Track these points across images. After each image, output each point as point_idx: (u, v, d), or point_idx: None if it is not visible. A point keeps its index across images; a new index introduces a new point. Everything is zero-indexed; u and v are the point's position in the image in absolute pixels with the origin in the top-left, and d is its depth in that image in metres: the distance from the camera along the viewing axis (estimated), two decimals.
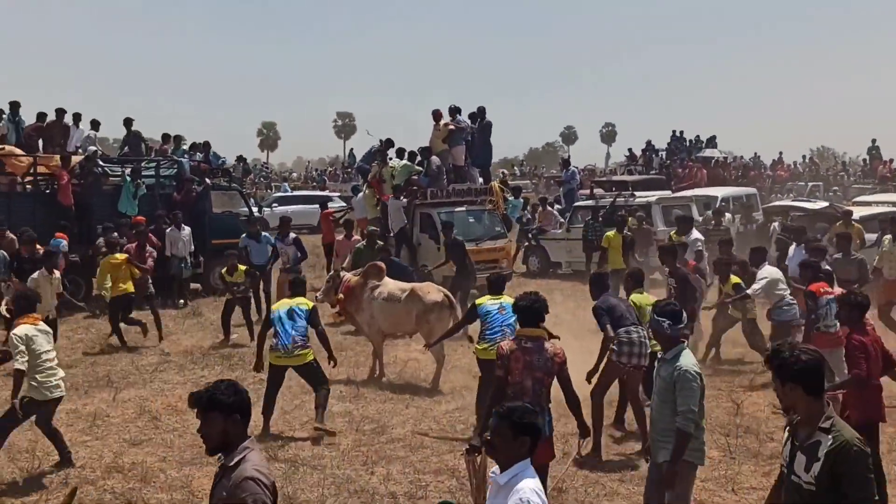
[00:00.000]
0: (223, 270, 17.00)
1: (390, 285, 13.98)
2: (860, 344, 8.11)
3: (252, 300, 17.38)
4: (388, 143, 23.26)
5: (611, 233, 18.68)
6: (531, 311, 7.34)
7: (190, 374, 14.05)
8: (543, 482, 6.91)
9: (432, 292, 13.66)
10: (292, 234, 18.84)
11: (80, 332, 17.23)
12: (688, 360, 6.81)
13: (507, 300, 10.68)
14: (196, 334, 17.19)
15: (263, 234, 19.13)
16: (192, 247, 20.58)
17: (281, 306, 11.25)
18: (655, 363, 7.35)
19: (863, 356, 8.04)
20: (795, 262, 14.44)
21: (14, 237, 17.01)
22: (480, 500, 6.81)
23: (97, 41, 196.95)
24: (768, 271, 13.43)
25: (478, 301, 11.03)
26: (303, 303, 11.18)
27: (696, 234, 17.29)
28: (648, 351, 9.97)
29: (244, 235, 18.93)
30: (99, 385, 13.37)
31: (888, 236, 15.84)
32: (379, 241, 18.62)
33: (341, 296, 14.19)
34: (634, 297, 11.09)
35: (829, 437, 4.75)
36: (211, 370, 14.21)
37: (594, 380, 10.07)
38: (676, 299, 10.22)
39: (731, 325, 14.29)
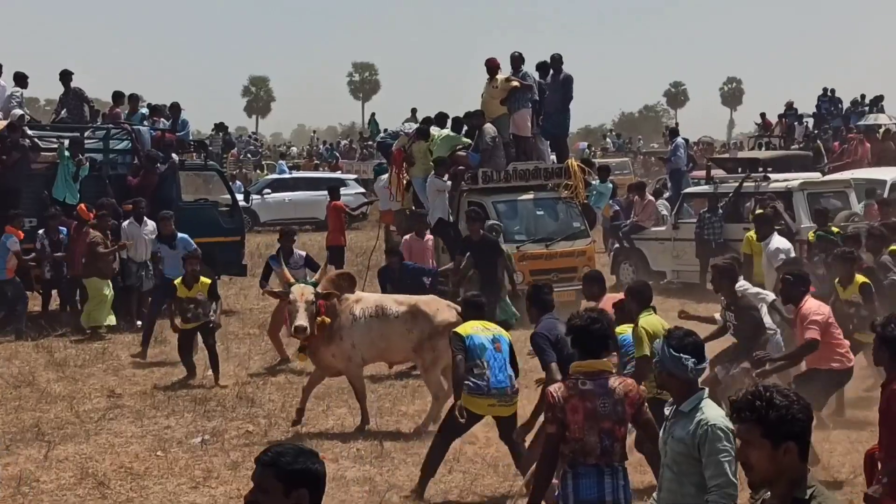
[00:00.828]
0: (177, 281, 16.52)
1: (376, 298, 14.31)
2: None
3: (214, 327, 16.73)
4: (436, 119, 23.22)
5: (752, 234, 18.38)
6: (590, 334, 7.05)
7: (149, 424, 14.11)
8: None
9: (442, 310, 13.68)
10: (300, 252, 18.58)
11: None
12: (714, 411, 6.45)
13: (500, 331, 10.98)
14: (158, 369, 17.22)
15: (181, 235, 18.93)
16: (158, 247, 20.27)
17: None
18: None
19: None
20: None
21: None
22: None
23: None
24: None
25: (460, 330, 11.04)
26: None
27: (778, 241, 17.17)
28: None
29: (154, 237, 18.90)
30: (25, 438, 13.39)
31: None
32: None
33: (324, 318, 13.85)
34: (644, 319, 10.92)
35: None
36: (179, 418, 14.26)
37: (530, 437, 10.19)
38: (739, 345, 10.24)
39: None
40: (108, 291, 19.27)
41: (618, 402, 6.81)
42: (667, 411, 6.65)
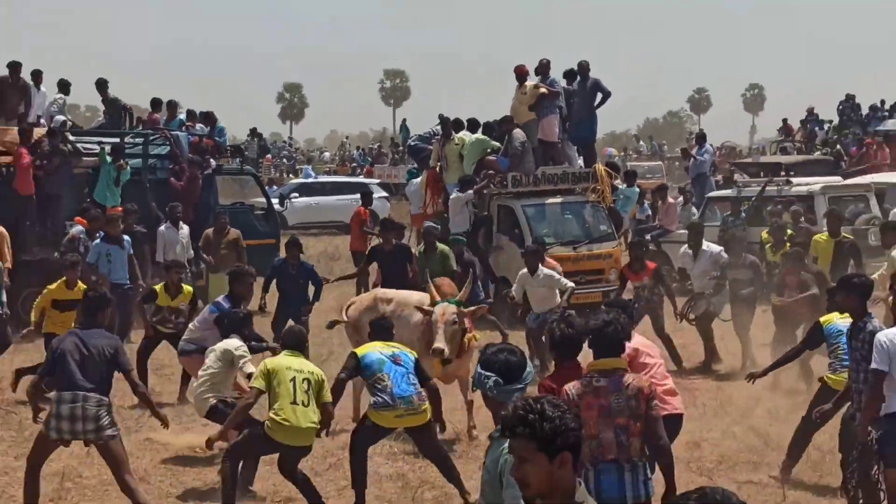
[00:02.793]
0: (159, 286, 15.48)
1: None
2: None
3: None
4: (455, 123, 23.07)
5: (821, 236, 17.97)
6: (605, 335, 6.84)
7: (188, 422, 14.00)
8: None
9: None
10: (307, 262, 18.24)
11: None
12: None
13: (402, 349, 10.81)
14: None
15: (126, 238, 18.34)
16: (192, 251, 20.56)
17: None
18: None
19: None
20: None
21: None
22: None
23: None
24: None
25: (358, 350, 10.93)
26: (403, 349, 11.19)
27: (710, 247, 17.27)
28: None
29: (99, 240, 18.03)
30: None
31: None
32: (441, 244, 17.97)
33: (474, 335, 13.15)
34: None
35: None
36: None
37: None
38: None
39: None
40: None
41: (631, 398, 6.65)
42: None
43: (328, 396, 10.13)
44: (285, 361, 10.15)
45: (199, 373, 10.81)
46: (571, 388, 6.65)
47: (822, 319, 11.44)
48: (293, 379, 9.96)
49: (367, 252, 18.60)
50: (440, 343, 11.93)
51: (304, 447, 10.08)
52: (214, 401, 10.77)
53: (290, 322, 15.37)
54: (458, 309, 12.36)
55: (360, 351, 10.73)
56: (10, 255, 17.27)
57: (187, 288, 15.44)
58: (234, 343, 11.03)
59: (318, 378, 10.10)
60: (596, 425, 6.54)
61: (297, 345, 10.49)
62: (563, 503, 4.40)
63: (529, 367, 5.64)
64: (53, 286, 14.94)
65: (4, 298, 15.52)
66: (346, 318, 13.99)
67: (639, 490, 6.56)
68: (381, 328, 11.16)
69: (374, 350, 10.61)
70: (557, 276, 16.04)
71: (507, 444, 5.06)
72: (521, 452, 4.33)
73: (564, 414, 4.29)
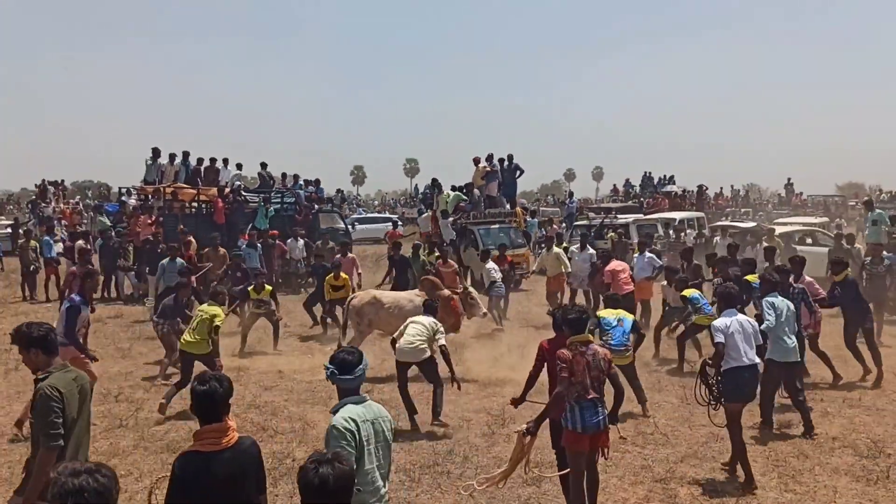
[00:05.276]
0: (250, 288, 13.27)
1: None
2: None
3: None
4: (435, 181, 23.17)
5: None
6: (580, 321, 5.98)
7: (306, 347, 13.98)
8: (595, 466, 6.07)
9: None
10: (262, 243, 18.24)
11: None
12: (336, 416, 4.33)
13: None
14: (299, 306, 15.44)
15: (258, 244, 17.85)
16: (305, 253, 20.28)
17: None
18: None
19: None
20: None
21: (192, 240, 17.35)
22: (509, 471, 6.23)
23: (240, 96, 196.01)
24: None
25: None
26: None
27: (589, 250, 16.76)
28: None
29: (245, 245, 17.46)
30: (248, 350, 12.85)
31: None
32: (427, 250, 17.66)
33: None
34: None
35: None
36: (324, 348, 13.07)
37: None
38: None
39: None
40: None
41: (601, 360, 5.89)
42: None
43: None
44: None
45: (415, 333, 8.77)
46: (566, 352, 5.88)
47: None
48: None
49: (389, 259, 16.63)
50: (484, 308, 11.69)
51: None
52: (429, 353, 8.79)
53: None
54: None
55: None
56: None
57: (268, 287, 13.28)
58: (433, 321, 9.00)
59: None
60: (582, 374, 5.81)
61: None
62: None
63: (363, 364, 4.47)
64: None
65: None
66: (350, 307, 11.83)
67: (604, 419, 5.88)
68: (430, 308, 9.42)
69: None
70: (494, 268, 15.77)
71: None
72: None
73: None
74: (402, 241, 21.33)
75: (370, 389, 9.72)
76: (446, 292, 11.39)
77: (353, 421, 4.25)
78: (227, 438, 3.84)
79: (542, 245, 24.13)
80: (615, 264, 14.38)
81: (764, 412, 8.60)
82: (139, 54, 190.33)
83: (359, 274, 15.94)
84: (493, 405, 9.55)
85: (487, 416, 9.13)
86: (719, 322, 7.30)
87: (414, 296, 11.63)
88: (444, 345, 8.75)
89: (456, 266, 16.27)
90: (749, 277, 11.31)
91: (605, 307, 9.76)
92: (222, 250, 16.55)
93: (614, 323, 9.14)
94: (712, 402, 7.34)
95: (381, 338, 12.09)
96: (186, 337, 9.59)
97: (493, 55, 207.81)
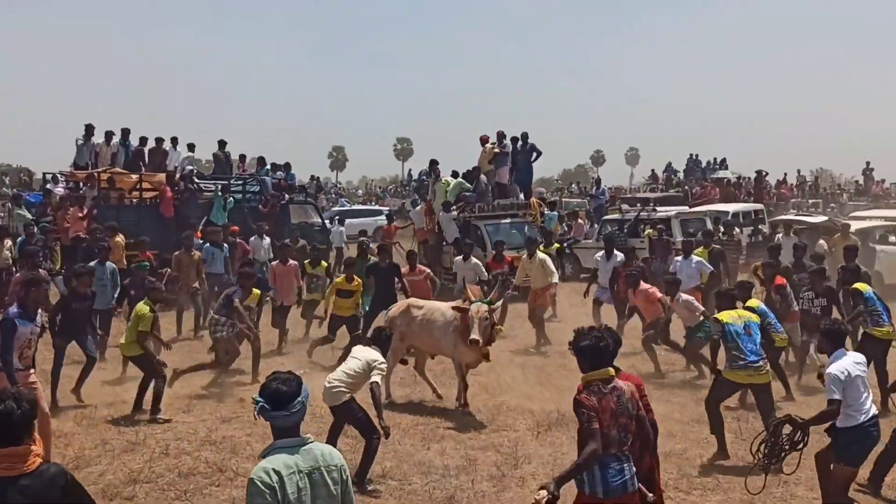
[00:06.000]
0: (306, 262, 15.31)
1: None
2: None
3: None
4: (433, 164, 22.93)
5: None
6: (598, 350, 5.38)
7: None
8: None
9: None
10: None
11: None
12: (261, 463, 4.17)
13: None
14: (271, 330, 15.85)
15: (225, 245, 17.57)
16: (272, 254, 20.09)
17: None
18: None
19: None
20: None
21: (122, 242, 17.24)
22: None
23: (199, 72, 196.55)
24: None
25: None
26: None
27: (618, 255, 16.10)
28: None
29: (208, 244, 17.12)
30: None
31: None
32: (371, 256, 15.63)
33: (499, 327, 11.55)
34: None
35: None
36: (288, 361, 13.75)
37: None
38: None
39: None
40: None
41: (629, 400, 5.36)
42: None
43: None
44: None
45: (342, 370, 8.39)
46: (588, 397, 5.29)
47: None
48: None
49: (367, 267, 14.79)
50: (475, 335, 10.24)
51: None
52: (348, 397, 8.26)
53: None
54: (489, 307, 10.57)
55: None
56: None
57: (323, 262, 15.90)
58: (376, 356, 8.42)
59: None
60: (609, 425, 5.23)
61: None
62: None
63: (302, 396, 4.25)
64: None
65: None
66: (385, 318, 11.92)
67: (633, 478, 5.32)
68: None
69: None
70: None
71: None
72: None
73: None
74: (400, 238, 21.38)
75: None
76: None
77: (277, 473, 4.06)
78: (27, 464, 4.08)
79: (566, 243, 24.23)
80: (651, 291, 13.21)
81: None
82: (69, 12, 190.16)
83: (299, 287, 15.46)
84: (502, 441, 9.54)
85: (496, 455, 9.12)
86: (836, 369, 6.79)
87: (448, 308, 11.25)
88: (376, 382, 8.23)
89: (428, 272, 15.55)
90: (859, 286, 11.20)
91: (721, 308, 9.17)
92: (196, 254, 16.31)
93: (742, 331, 8.69)
94: (773, 463, 7.06)
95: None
96: (121, 338, 11.03)
97: (502, 12, 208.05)
